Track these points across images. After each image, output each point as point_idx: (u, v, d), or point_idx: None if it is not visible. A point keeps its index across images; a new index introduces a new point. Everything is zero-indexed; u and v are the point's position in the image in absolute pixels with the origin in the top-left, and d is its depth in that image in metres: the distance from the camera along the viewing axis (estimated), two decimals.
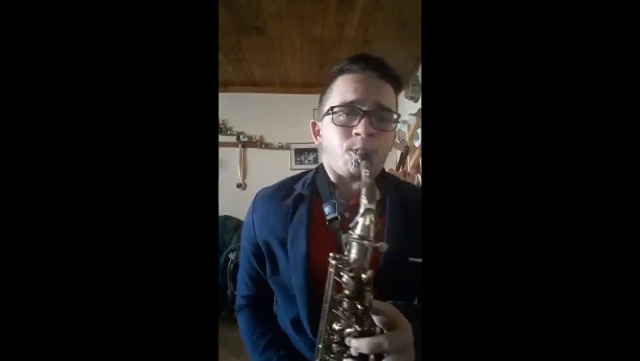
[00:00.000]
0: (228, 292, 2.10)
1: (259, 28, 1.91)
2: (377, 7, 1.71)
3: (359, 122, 0.52)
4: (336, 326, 0.43)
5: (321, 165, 0.64)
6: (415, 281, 0.51)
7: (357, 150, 0.52)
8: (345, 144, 0.53)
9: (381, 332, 0.40)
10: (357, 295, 0.40)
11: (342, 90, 0.54)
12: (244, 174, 2.89)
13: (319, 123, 0.61)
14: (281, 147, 2.93)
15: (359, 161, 0.51)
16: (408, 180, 1.99)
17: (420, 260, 0.48)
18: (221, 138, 2.82)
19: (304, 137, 2.67)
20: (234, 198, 2.50)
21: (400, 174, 2.15)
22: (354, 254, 0.41)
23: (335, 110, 0.54)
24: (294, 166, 2.91)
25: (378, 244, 0.40)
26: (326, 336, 0.44)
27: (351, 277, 0.40)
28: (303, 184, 0.63)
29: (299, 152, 2.94)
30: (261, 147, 2.92)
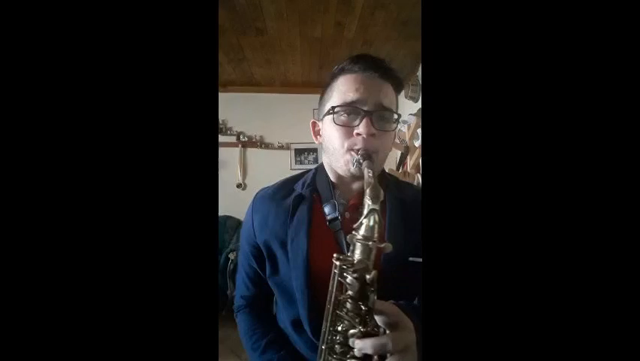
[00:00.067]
0: (228, 292, 2.10)
1: (259, 28, 1.91)
2: (377, 7, 1.71)
3: (360, 123, 0.52)
4: (339, 327, 0.43)
5: (321, 165, 0.64)
6: (415, 281, 0.51)
7: (358, 150, 0.52)
8: (346, 144, 0.53)
9: (385, 332, 0.40)
10: (361, 295, 0.40)
11: (343, 90, 0.54)
12: (244, 174, 2.89)
13: (319, 123, 0.61)
14: (281, 147, 2.93)
15: (360, 161, 0.51)
16: (408, 180, 1.99)
17: (420, 260, 0.48)
18: (221, 138, 2.82)
19: (304, 137, 2.68)
20: (234, 198, 2.50)
21: (399, 174, 2.15)
22: (358, 255, 0.41)
23: (336, 110, 0.54)
24: (294, 166, 2.91)
25: (382, 245, 0.39)
26: (329, 337, 0.44)
27: (355, 278, 0.40)
28: (303, 184, 0.63)
29: (299, 152, 2.94)
30: (261, 147, 2.91)
